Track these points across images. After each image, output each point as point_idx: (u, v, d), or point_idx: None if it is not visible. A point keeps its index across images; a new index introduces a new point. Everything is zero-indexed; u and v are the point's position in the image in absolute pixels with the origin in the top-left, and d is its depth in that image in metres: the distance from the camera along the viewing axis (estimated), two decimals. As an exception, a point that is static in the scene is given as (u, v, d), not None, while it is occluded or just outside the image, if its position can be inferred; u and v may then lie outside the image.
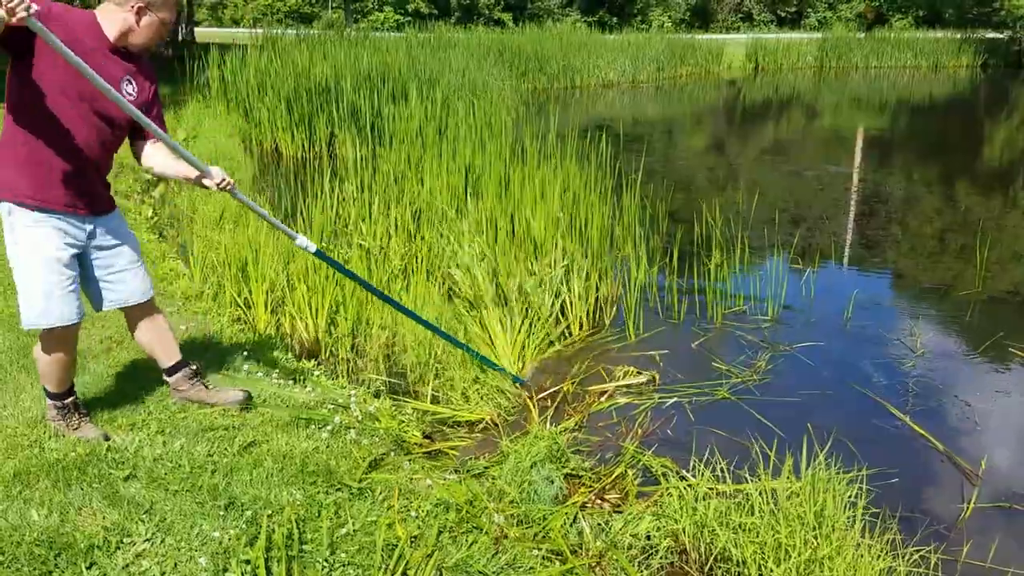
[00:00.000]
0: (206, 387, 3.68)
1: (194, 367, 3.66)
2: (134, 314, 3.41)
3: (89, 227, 3.10)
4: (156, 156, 3.22)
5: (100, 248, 3.17)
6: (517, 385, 4.46)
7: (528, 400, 4.37)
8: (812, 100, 22.28)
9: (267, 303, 5.21)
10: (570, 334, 5.30)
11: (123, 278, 3.26)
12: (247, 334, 4.81)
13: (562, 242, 5.56)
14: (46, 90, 2.81)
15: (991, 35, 32.60)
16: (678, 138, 15.58)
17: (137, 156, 3.27)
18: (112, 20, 2.96)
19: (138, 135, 3.20)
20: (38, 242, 2.94)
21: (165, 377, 3.62)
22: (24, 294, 2.98)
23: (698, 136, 16.09)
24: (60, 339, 3.09)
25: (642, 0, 48.12)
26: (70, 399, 3.31)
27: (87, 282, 3.21)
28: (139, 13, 2.96)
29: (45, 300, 2.96)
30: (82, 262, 3.14)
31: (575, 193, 5.99)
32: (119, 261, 3.23)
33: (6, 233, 2.97)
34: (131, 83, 3.05)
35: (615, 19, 45.07)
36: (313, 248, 3.63)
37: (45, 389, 3.27)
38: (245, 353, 4.37)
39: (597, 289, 5.70)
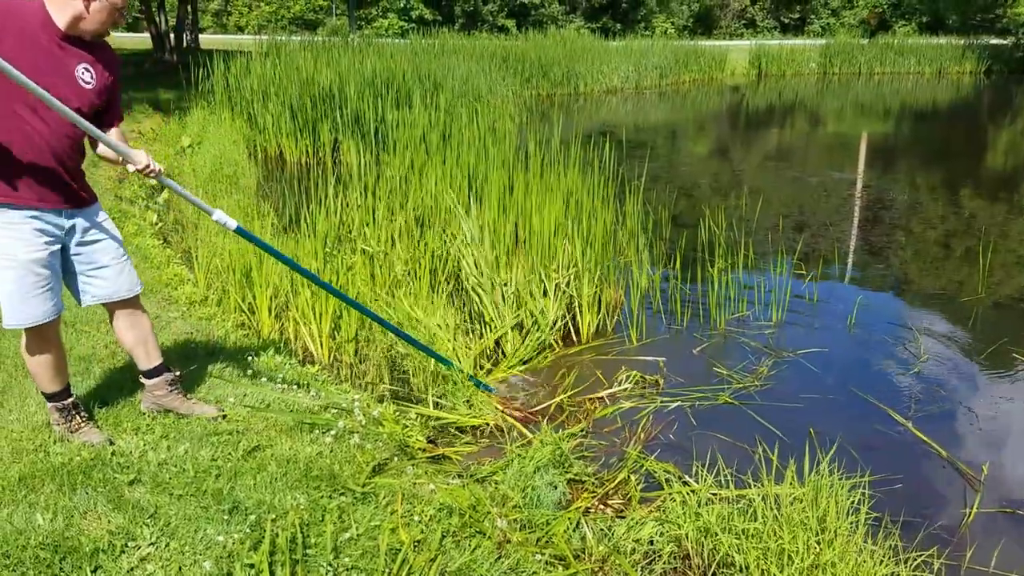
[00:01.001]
0: (184, 397, 3.62)
1: (176, 374, 3.60)
2: (118, 311, 3.35)
3: (68, 222, 3.07)
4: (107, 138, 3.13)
5: (81, 243, 3.13)
6: (483, 391, 4.38)
7: (528, 407, 4.37)
8: (815, 106, 22.30)
9: (271, 308, 5.23)
10: (576, 339, 5.31)
11: (106, 274, 3.21)
12: (251, 339, 4.83)
13: (569, 247, 5.57)
14: (3, 90, 2.78)
15: (995, 41, 32.59)
16: (681, 144, 15.59)
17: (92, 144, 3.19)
18: (60, 8, 2.89)
19: (102, 124, 3.13)
20: (10, 244, 2.91)
21: (142, 379, 3.53)
22: (2, 296, 2.96)
23: (701, 142, 16.11)
24: (41, 337, 3.08)
25: (645, 6, 48.18)
26: (68, 400, 3.29)
27: (69, 276, 3.18)
28: (87, 0, 2.90)
29: (21, 302, 2.95)
30: (63, 256, 3.12)
31: (578, 199, 6.00)
32: (102, 257, 3.19)
33: None
34: (88, 71, 3.00)
35: (618, 25, 45.13)
36: (233, 224, 3.49)
37: (42, 393, 3.27)
38: (249, 358, 4.38)
39: (600, 294, 5.71)
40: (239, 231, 3.54)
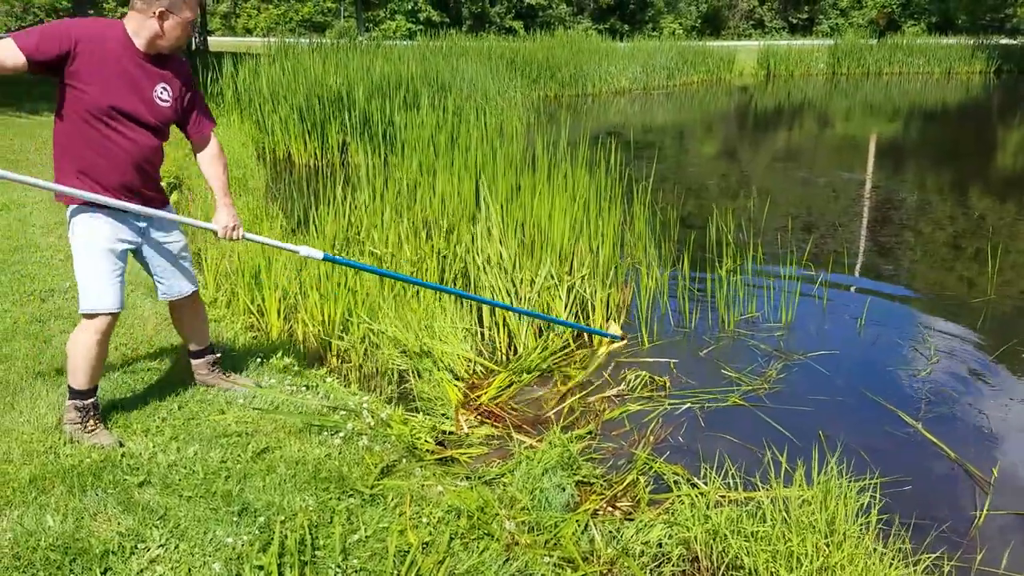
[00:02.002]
0: (223, 375, 3.97)
1: (217, 356, 3.96)
2: (181, 304, 3.67)
3: (142, 224, 3.35)
4: (200, 155, 3.54)
5: (155, 244, 3.43)
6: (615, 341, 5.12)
7: (537, 407, 4.38)
8: (824, 106, 22.25)
9: (280, 310, 5.24)
10: (587, 340, 5.31)
11: (174, 273, 3.53)
12: (260, 341, 4.84)
13: (580, 249, 5.58)
14: (84, 109, 3.04)
15: (1004, 41, 32.47)
16: (690, 145, 15.58)
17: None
18: (138, 29, 3.11)
19: (190, 131, 3.44)
20: (93, 233, 3.17)
21: (191, 359, 3.89)
22: (82, 281, 3.19)
23: (710, 143, 16.09)
24: (101, 329, 3.23)
25: (653, 7, 48.15)
26: (91, 400, 3.35)
27: (145, 274, 3.52)
28: (161, 17, 3.10)
29: (101, 285, 3.18)
30: (140, 254, 3.42)
31: (586, 200, 6.00)
32: (170, 257, 3.50)
33: (68, 227, 3.23)
34: (166, 89, 3.23)
35: (626, 26, 45.13)
36: (320, 255, 3.81)
37: (70, 388, 3.31)
38: (258, 360, 4.39)
39: (610, 295, 5.71)
40: (327, 258, 3.90)
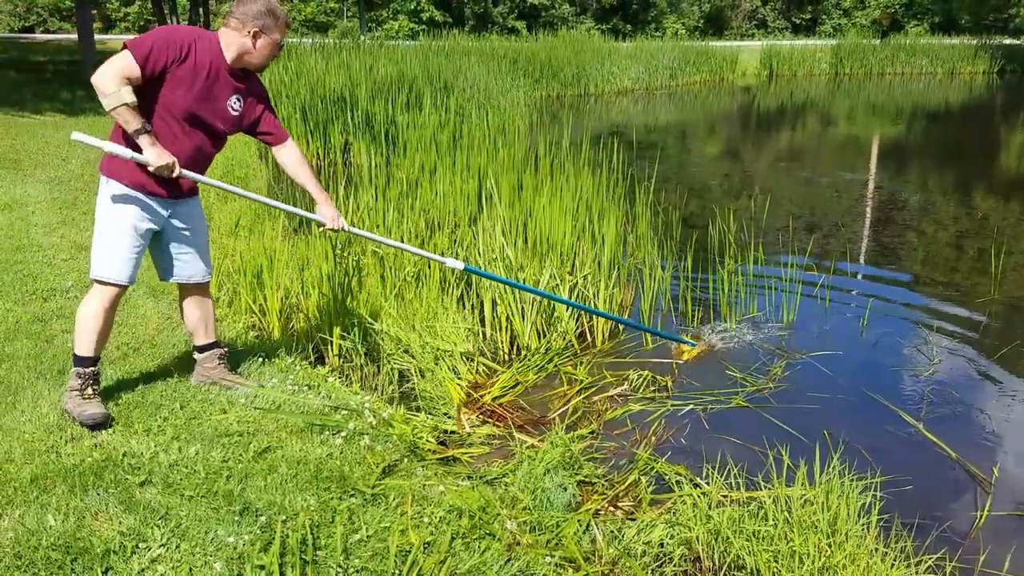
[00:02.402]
0: (228, 372, 3.98)
1: (224, 351, 3.99)
2: (191, 292, 3.77)
3: (170, 209, 3.50)
4: (284, 159, 3.76)
5: (177, 228, 3.57)
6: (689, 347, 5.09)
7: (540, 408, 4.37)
8: (827, 107, 22.23)
9: (282, 310, 5.24)
10: (591, 340, 5.31)
11: (191, 258, 3.66)
12: (262, 341, 4.84)
13: (582, 249, 5.57)
14: (162, 107, 3.27)
15: (1008, 41, 32.43)
16: (692, 145, 15.57)
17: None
18: (231, 43, 3.38)
19: (269, 140, 3.71)
20: (123, 212, 3.35)
21: (196, 354, 3.92)
22: (100, 249, 3.38)
23: (712, 143, 16.08)
24: (110, 299, 3.42)
25: (656, 7, 48.13)
26: (92, 368, 3.50)
27: (160, 253, 3.63)
28: (255, 36, 3.38)
29: (115, 255, 3.36)
30: (160, 237, 3.56)
31: (589, 200, 6.00)
32: (191, 242, 3.64)
33: (99, 197, 3.39)
34: (240, 100, 3.48)
35: (629, 26, 45.12)
36: (461, 266, 4.20)
37: (74, 355, 3.49)
38: (260, 359, 4.40)
39: (612, 296, 5.70)
40: (468, 269, 4.35)
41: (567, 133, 7.31)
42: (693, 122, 19.03)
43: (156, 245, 3.60)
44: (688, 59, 26.92)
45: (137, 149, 3.22)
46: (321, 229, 3.76)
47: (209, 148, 3.52)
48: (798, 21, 50.77)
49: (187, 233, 3.62)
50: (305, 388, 4.13)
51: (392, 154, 9.59)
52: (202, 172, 3.55)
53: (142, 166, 3.26)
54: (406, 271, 5.65)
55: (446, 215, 6.39)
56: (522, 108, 14.70)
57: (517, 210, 5.91)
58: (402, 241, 6.05)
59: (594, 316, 5.39)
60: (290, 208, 3.84)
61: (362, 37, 22.86)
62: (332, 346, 5.01)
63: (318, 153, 11.88)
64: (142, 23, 44.39)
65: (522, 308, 5.23)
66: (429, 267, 5.65)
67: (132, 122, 3.12)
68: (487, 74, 15.81)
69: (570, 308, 5.27)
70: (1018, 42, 32.07)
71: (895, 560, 2.89)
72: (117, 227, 3.36)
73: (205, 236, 3.74)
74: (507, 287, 5.14)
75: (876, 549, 2.92)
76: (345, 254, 5.59)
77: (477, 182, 6.73)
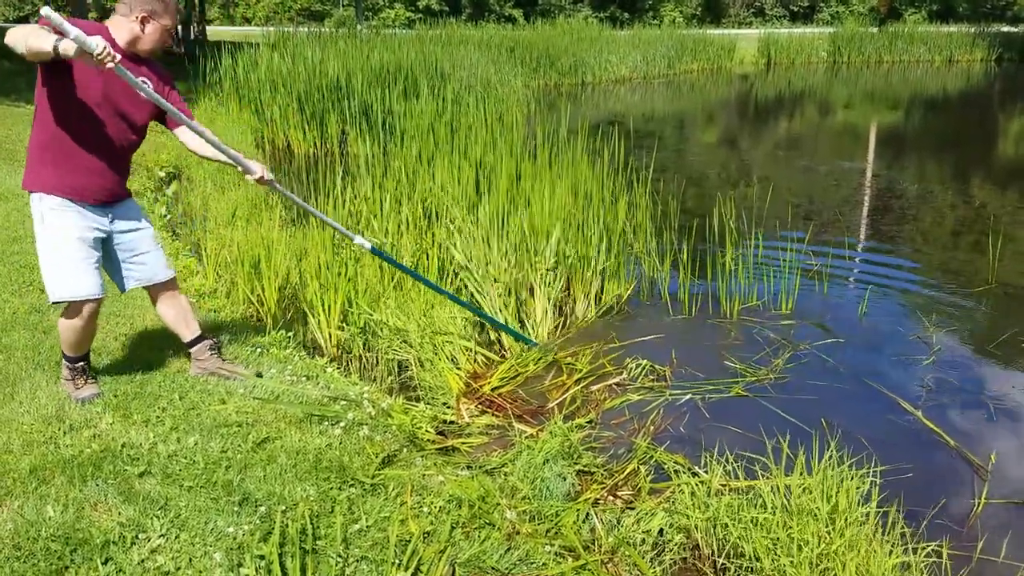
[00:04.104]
0: (223, 360, 4.00)
1: (214, 340, 4.01)
2: (158, 293, 3.77)
3: (109, 215, 3.48)
4: (189, 140, 3.60)
5: (122, 232, 3.55)
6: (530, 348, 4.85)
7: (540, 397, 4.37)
8: (825, 95, 22.20)
9: (280, 300, 5.24)
10: (588, 330, 5.30)
11: (146, 259, 3.64)
12: (260, 331, 4.83)
13: (579, 238, 5.56)
14: (77, 101, 3.20)
15: (1006, 29, 32.36)
16: (690, 133, 15.54)
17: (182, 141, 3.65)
18: (121, 30, 3.33)
19: (170, 124, 3.57)
20: (65, 223, 3.31)
21: (189, 349, 3.94)
22: (52, 271, 3.33)
23: (710, 131, 16.05)
24: (86, 312, 3.42)
25: (653, -5, 47.94)
26: (82, 363, 3.64)
27: (111, 264, 3.60)
28: (143, 22, 3.33)
29: (74, 275, 3.32)
30: (108, 245, 3.53)
31: (586, 189, 5.98)
32: (141, 244, 3.62)
33: (35, 219, 3.33)
34: (147, 83, 3.35)
35: (626, 14, 44.99)
36: (368, 245, 4.08)
37: (64, 353, 3.59)
38: (258, 350, 4.40)
39: (610, 285, 5.70)
40: (374, 251, 4.19)
41: (565, 122, 7.28)
42: (691, 111, 18.99)
43: (106, 256, 3.55)
44: (686, 47, 26.85)
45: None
46: (249, 179, 3.60)
47: (131, 137, 3.46)
48: (796, 9, 50.64)
49: (134, 234, 3.60)
50: (304, 378, 4.13)
51: (389, 143, 9.55)
52: (126, 166, 3.51)
53: (72, 173, 3.25)
54: (404, 260, 5.64)
55: (443, 205, 6.37)
56: (520, 97, 14.66)
57: (515, 198, 5.89)
58: (401, 232, 6.04)
59: (592, 303, 5.38)
60: (326, 219, 3.97)
61: (358, 26, 22.79)
62: (331, 336, 5.01)
63: (315, 143, 11.84)
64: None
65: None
66: (427, 256, 5.64)
67: (47, 38, 2.83)
68: (484, 63, 15.75)
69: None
70: (1016, 30, 32.02)
71: (894, 547, 2.90)
72: (62, 242, 3.31)
73: (154, 236, 3.71)
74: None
75: (875, 536, 2.92)
76: (343, 245, 5.58)
77: (475, 172, 6.70)
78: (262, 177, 3.56)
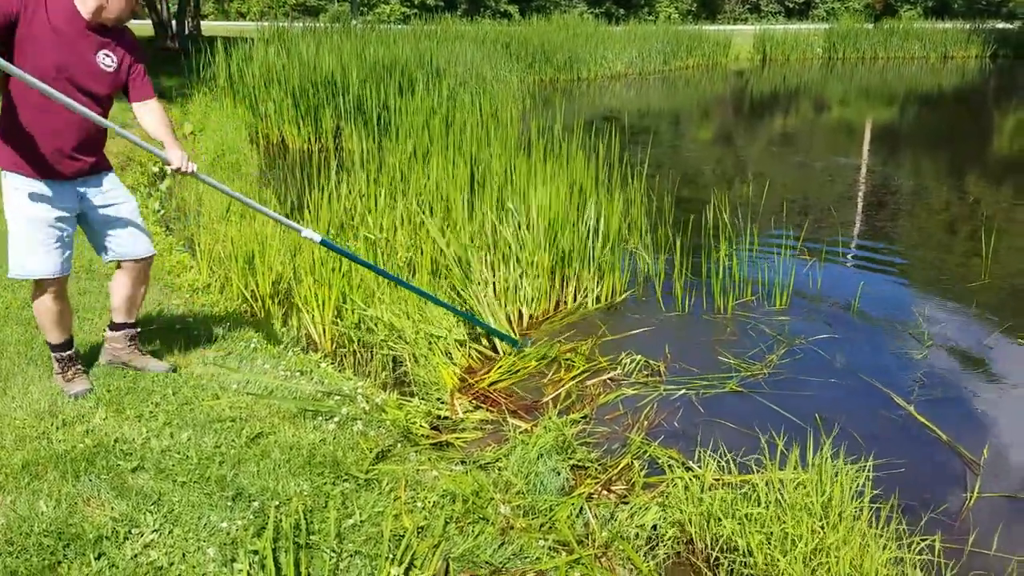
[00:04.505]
0: (139, 352, 3.90)
1: (136, 331, 3.89)
2: (129, 269, 3.66)
3: (80, 190, 3.40)
4: (146, 117, 3.51)
5: (97, 208, 3.48)
6: (515, 348, 4.74)
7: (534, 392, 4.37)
8: (820, 91, 22.21)
9: (274, 296, 5.23)
10: (581, 325, 5.30)
11: (120, 234, 3.56)
12: (254, 326, 4.83)
13: (572, 234, 5.56)
14: (34, 68, 3.05)
15: (1001, 25, 32.40)
16: (685, 129, 15.54)
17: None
18: (85, 1, 3.21)
19: (131, 95, 3.48)
20: (23, 203, 3.26)
21: (108, 331, 3.85)
22: (10, 249, 3.31)
23: (705, 127, 16.05)
24: (49, 291, 3.40)
25: (649, -9, 47.89)
26: (68, 352, 3.61)
27: (93, 234, 3.57)
28: None
29: (27, 255, 3.29)
30: (86, 219, 3.49)
31: (581, 185, 5.98)
32: (117, 220, 3.54)
33: (3, 192, 3.30)
34: (109, 56, 3.32)
35: (622, 10, 44.91)
36: (318, 238, 3.88)
37: (47, 342, 3.58)
38: (252, 345, 4.39)
39: (604, 281, 5.70)
40: (324, 243, 3.97)
41: (560, 118, 7.28)
42: (686, 107, 18.99)
43: (86, 227, 3.53)
44: (681, 43, 26.84)
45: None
46: (170, 169, 3.46)
47: (95, 109, 3.29)
48: (791, 5, 50.60)
49: (110, 211, 3.51)
50: (298, 374, 4.12)
51: (384, 139, 9.54)
52: (93, 140, 3.39)
53: (33, 150, 3.19)
54: (399, 256, 5.63)
55: (438, 200, 6.36)
56: (515, 93, 14.64)
57: (510, 194, 5.88)
58: (396, 228, 6.03)
59: (588, 299, 5.37)
60: (268, 211, 3.82)
61: (353, 21, 22.73)
62: (325, 332, 5.01)
63: (309, 138, 11.82)
64: (143, 1, 44.01)
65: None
66: (421, 252, 5.64)
67: None
68: (480, 59, 15.73)
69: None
70: (1011, 26, 32.08)
71: (887, 542, 2.91)
72: (24, 220, 3.27)
73: (133, 211, 3.60)
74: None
75: (869, 531, 2.93)
76: (338, 240, 5.57)
77: (469, 168, 6.70)
78: (179, 168, 3.42)
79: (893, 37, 30.89)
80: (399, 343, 4.78)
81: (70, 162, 3.31)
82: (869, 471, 3.27)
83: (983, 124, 16.24)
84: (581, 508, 3.22)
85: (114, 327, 3.81)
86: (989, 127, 15.89)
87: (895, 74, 26.12)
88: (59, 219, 3.33)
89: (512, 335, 4.90)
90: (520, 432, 3.80)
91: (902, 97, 20.48)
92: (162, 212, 7.64)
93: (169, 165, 3.43)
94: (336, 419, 3.59)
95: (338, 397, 3.88)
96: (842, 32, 31.19)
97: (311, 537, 2.76)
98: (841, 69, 27.77)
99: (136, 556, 2.59)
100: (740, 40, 30.25)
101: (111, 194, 3.52)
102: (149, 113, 3.50)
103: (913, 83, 23.79)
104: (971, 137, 14.47)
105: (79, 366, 3.68)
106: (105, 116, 3.37)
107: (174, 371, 3.90)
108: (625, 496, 3.38)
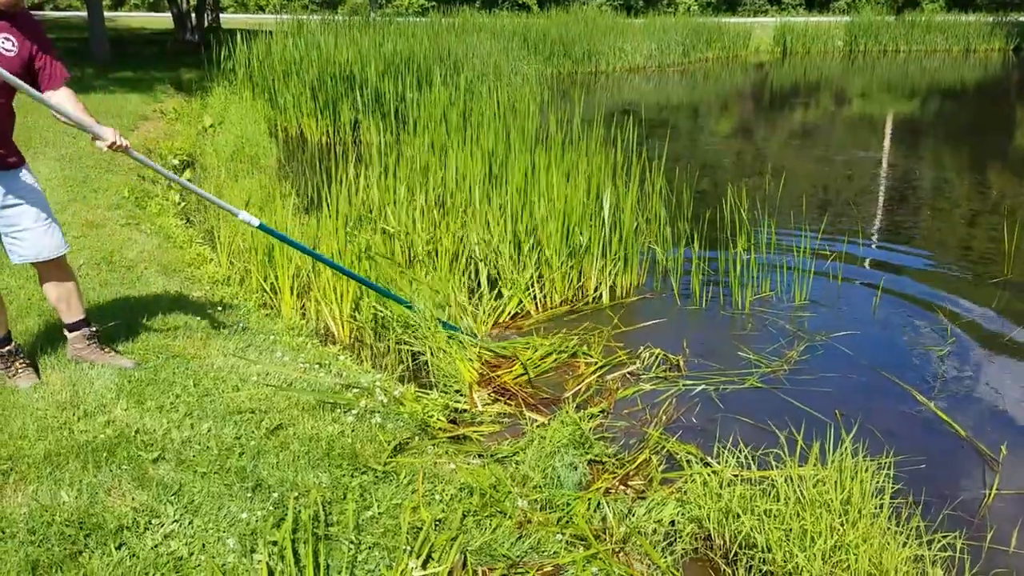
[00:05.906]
0: (101, 349, 3.83)
1: (93, 329, 3.82)
2: (45, 270, 3.58)
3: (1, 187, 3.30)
4: (57, 101, 3.30)
5: (5, 207, 3.36)
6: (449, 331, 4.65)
7: (555, 387, 4.37)
8: (841, 84, 22.02)
9: (293, 288, 5.24)
10: (600, 318, 5.29)
11: (28, 236, 3.42)
12: (273, 319, 4.85)
13: (587, 228, 5.55)
14: None
15: (1024, 18, 31.98)
16: (705, 123, 15.46)
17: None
18: None
19: (41, 84, 3.33)
20: None
21: (66, 332, 3.79)
22: None
23: (725, 121, 15.96)
24: None
25: (669, -17, 47.60)
26: (7, 347, 3.57)
27: (4, 236, 3.43)
28: None
29: None
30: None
31: (600, 179, 5.96)
32: (23, 220, 3.40)
33: None
34: (9, 39, 3.19)
35: (641, 2, 44.67)
36: (256, 222, 3.87)
37: None
38: (272, 337, 4.41)
39: (624, 274, 5.68)
40: (262, 227, 3.94)
41: (579, 111, 7.26)
42: (705, 100, 18.88)
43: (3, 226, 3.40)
44: (701, 36, 26.65)
45: None
46: (102, 146, 3.32)
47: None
48: (812, -3, 50.13)
49: (14, 209, 3.37)
50: (316, 366, 4.14)
51: (402, 132, 9.54)
52: (4, 129, 3.30)
53: None
54: (418, 249, 5.64)
55: (456, 193, 6.36)
56: (533, 86, 14.60)
57: (529, 187, 5.87)
58: (414, 221, 6.04)
59: (605, 293, 5.36)
60: (203, 193, 3.82)
61: (372, 13, 22.75)
62: (343, 324, 5.02)
63: (328, 131, 11.84)
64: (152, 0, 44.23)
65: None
66: (441, 244, 5.64)
67: None
68: (498, 52, 15.69)
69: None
70: (1035, 19, 31.63)
71: (907, 539, 2.89)
72: None
73: (43, 208, 3.46)
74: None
75: (888, 528, 2.91)
76: (356, 233, 5.59)
77: (487, 162, 6.69)
78: (114, 143, 3.29)
79: (915, 30, 30.52)
80: (414, 338, 4.78)
81: None
82: (889, 468, 3.24)
83: (1006, 118, 16.05)
84: (599, 503, 3.21)
85: (68, 328, 3.75)
86: (1012, 121, 15.71)
87: (917, 67, 25.86)
88: None
89: (407, 300, 4.78)
90: (538, 426, 3.80)
91: (924, 90, 20.27)
92: (183, 204, 7.68)
93: (103, 141, 3.30)
94: (355, 411, 3.61)
95: (356, 390, 3.89)
96: (863, 25, 30.85)
97: (330, 529, 2.77)
98: (862, 62, 27.52)
99: (156, 546, 2.61)
100: (760, 32, 30.00)
101: (22, 191, 3.39)
102: (64, 102, 3.32)
103: (935, 76, 23.54)
104: (993, 131, 14.31)
105: (23, 359, 3.62)
106: (9, 102, 3.30)
107: (138, 364, 3.82)
108: (643, 491, 3.37)
